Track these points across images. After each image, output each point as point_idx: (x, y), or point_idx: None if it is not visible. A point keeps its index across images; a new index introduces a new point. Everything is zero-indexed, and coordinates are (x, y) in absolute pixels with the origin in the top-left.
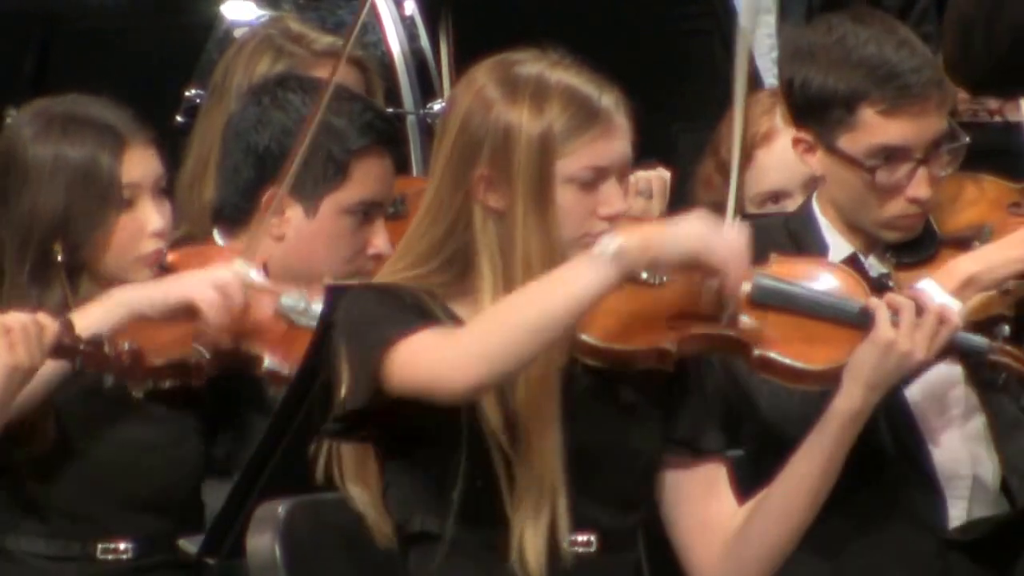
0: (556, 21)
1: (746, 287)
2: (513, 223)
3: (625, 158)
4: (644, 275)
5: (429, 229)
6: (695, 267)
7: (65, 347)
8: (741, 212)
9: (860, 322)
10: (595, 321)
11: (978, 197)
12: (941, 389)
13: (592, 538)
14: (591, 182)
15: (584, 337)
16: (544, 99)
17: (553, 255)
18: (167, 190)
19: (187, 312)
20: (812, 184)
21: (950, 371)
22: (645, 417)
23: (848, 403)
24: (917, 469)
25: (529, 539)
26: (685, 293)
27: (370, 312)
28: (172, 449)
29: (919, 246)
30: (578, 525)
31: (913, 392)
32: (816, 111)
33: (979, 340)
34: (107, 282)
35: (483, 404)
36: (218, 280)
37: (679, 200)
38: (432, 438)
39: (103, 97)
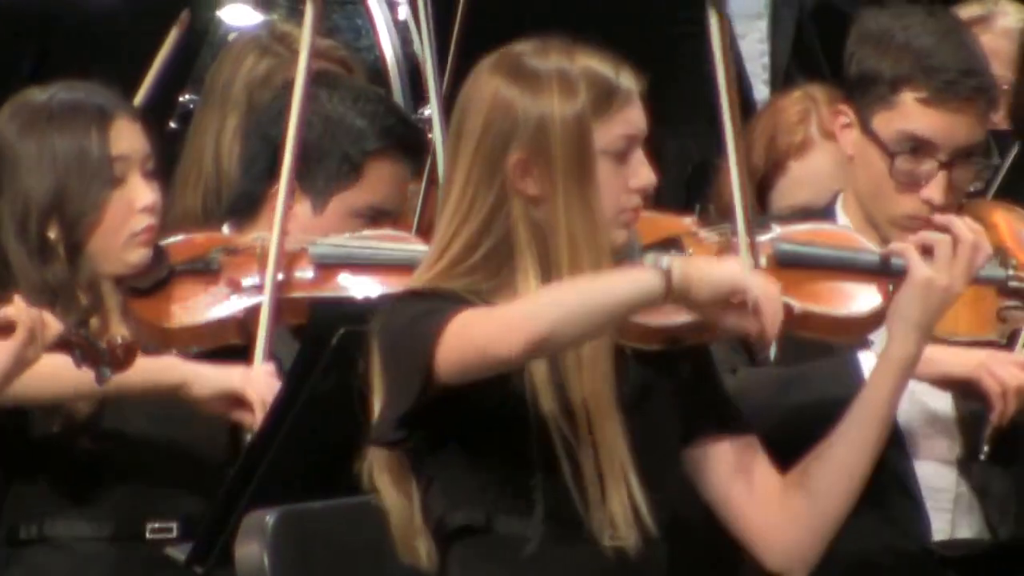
0: (546, 24)
1: (767, 249)
2: (555, 206)
3: (645, 130)
4: (671, 252)
5: (462, 228)
6: (729, 303)
7: (64, 341)
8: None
9: (883, 268)
10: None
11: (1001, 224)
12: (929, 403)
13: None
14: (623, 152)
15: (633, 319)
16: (570, 81)
17: (596, 234)
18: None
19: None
20: None
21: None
22: (671, 404)
23: (903, 348)
24: (897, 479)
25: (619, 515)
26: None
27: (412, 312)
28: (207, 423)
29: None
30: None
31: (902, 404)
32: (862, 87)
33: (998, 270)
34: (106, 263)
35: (540, 393)
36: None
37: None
38: (500, 428)
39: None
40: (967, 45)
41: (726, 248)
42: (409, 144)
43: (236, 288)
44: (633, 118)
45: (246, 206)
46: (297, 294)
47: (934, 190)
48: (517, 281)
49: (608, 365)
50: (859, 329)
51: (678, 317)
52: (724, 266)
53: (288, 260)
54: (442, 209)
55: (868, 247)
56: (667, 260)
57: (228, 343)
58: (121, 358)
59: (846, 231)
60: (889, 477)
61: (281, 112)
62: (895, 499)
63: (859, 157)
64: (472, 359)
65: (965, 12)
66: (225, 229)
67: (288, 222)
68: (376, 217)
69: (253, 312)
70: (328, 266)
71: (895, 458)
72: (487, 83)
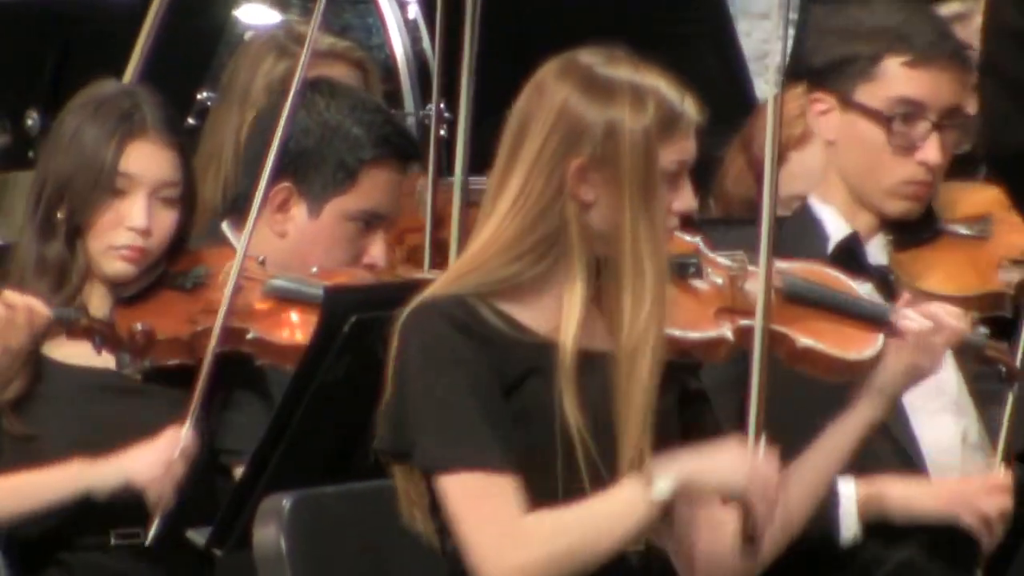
0: (554, 24)
1: (777, 283)
2: (621, 214)
3: (695, 157)
4: (690, 269)
5: (515, 220)
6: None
7: (83, 328)
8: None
9: (883, 321)
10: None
11: (979, 197)
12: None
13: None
14: (674, 176)
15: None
16: (642, 96)
17: (659, 244)
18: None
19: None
20: None
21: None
22: (672, 419)
23: (871, 412)
24: (905, 457)
25: None
26: (725, 290)
27: (447, 383)
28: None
29: (919, 229)
30: None
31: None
32: (835, 70)
33: (978, 337)
34: (93, 261)
35: (567, 408)
36: (162, 461)
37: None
38: (527, 453)
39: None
40: (934, 16)
41: (739, 275)
42: (403, 153)
43: (200, 309)
44: (689, 147)
45: (245, 207)
46: (241, 323)
47: (930, 151)
48: (561, 282)
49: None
50: (854, 372)
51: (694, 331)
52: (723, 470)
53: (248, 288)
54: (493, 204)
55: (867, 296)
56: (670, 484)
57: (179, 361)
58: (141, 344)
59: (844, 279)
60: (896, 455)
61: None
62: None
63: (845, 137)
64: (459, 528)
65: (944, 9)
66: (224, 226)
67: (286, 224)
68: (370, 221)
69: (199, 336)
70: (281, 300)
71: (900, 436)
72: (555, 90)
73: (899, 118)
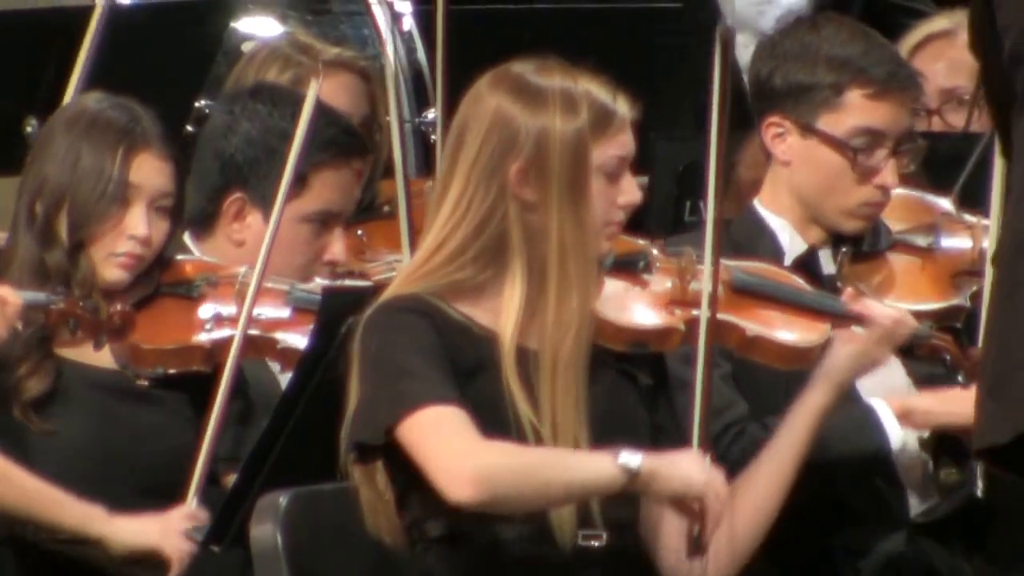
0: (543, 36)
1: (725, 276)
2: (549, 215)
3: (634, 152)
4: (640, 264)
5: (459, 228)
6: (681, 503)
7: (58, 312)
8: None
9: (834, 311)
10: (606, 305)
11: (919, 206)
12: (887, 381)
13: (604, 532)
14: (615, 172)
15: (607, 318)
16: (573, 100)
17: (586, 243)
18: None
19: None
20: None
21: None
22: (640, 412)
23: (822, 399)
24: (879, 460)
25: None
26: (674, 283)
27: (398, 350)
28: (174, 434)
29: (872, 240)
30: (588, 518)
31: (864, 384)
32: (794, 96)
33: (922, 329)
34: (96, 270)
35: (517, 402)
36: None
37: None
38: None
39: (144, 104)
40: (884, 43)
41: (687, 271)
42: (351, 151)
43: (210, 318)
44: (626, 141)
45: (202, 220)
46: (266, 332)
47: (888, 176)
48: (505, 282)
49: (581, 369)
50: (803, 359)
51: (647, 320)
52: (687, 467)
53: (265, 298)
54: (436, 211)
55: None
56: (639, 460)
57: (194, 369)
58: (118, 324)
59: (792, 276)
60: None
61: (229, 127)
62: (878, 480)
63: (804, 161)
64: (423, 466)
65: (933, 26)
66: (186, 237)
67: (243, 233)
68: (326, 221)
69: (220, 343)
70: (304, 310)
71: (876, 445)
72: (488, 98)
73: (861, 147)
